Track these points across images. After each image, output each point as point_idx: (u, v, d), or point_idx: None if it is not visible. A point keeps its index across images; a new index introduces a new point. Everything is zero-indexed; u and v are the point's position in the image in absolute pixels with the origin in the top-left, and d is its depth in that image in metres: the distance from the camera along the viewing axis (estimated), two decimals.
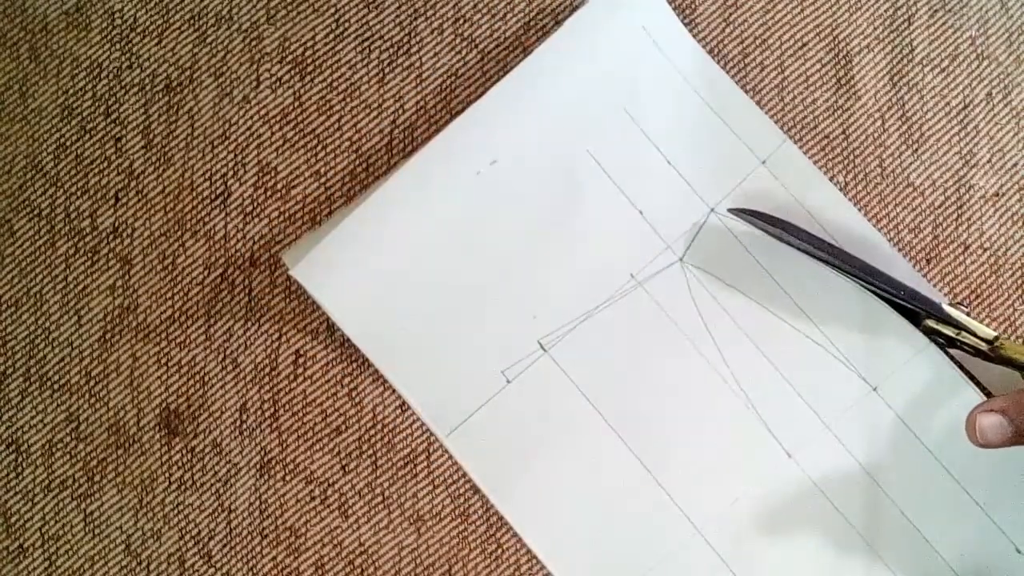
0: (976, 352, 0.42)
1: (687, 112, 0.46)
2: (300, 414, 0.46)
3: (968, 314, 0.42)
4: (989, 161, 0.46)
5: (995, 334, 0.41)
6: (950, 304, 0.42)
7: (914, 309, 0.43)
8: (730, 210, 0.45)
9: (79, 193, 0.46)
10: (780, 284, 0.45)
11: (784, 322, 0.45)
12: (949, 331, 0.42)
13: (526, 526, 0.45)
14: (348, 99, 0.47)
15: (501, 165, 0.45)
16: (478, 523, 0.45)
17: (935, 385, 0.42)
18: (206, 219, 0.46)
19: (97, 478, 0.46)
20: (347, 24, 0.47)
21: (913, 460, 0.44)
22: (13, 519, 0.46)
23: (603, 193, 0.45)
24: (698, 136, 0.45)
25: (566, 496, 0.45)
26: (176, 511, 0.46)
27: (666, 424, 0.45)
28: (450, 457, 0.45)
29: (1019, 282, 0.46)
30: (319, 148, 0.47)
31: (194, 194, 0.46)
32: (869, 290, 0.44)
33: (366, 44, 0.47)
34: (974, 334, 0.42)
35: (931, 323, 0.42)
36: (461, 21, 0.47)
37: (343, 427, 0.46)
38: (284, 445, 0.46)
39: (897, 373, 0.44)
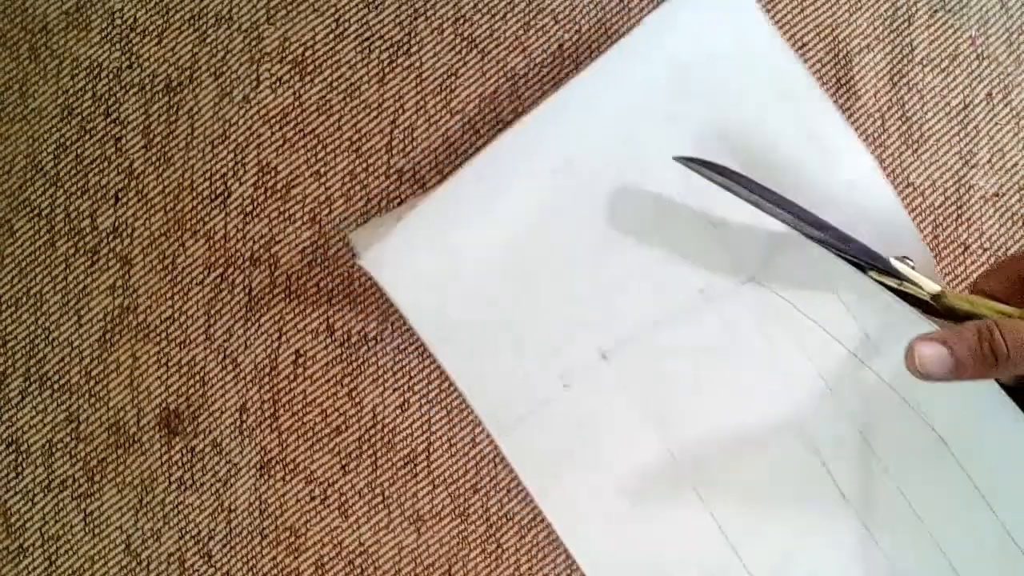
0: (917, 303, 0.40)
1: (773, 123, 0.43)
2: (300, 414, 0.46)
3: (913, 268, 0.40)
4: (989, 161, 0.46)
5: (940, 288, 0.40)
6: (896, 259, 0.41)
7: (860, 263, 0.41)
8: (675, 158, 0.42)
9: (79, 193, 0.46)
10: (850, 309, 0.42)
11: (854, 356, 0.42)
12: (891, 282, 0.40)
13: (570, 534, 0.42)
14: (348, 99, 0.47)
15: (576, 164, 0.43)
16: (478, 523, 0.45)
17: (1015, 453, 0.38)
18: (206, 219, 0.46)
19: (97, 478, 0.46)
20: (347, 24, 0.47)
21: (982, 530, 0.40)
22: (13, 519, 0.46)
23: (677, 202, 0.43)
24: (780, 149, 0.43)
25: (612, 508, 0.42)
26: (176, 511, 0.46)
27: (722, 450, 0.42)
28: (451, 456, 0.45)
29: None
30: (319, 148, 0.47)
31: (194, 194, 0.46)
32: (823, 245, 0.41)
33: (366, 44, 0.47)
34: (919, 286, 0.40)
35: (874, 275, 0.41)
36: (461, 21, 0.47)
37: (343, 427, 0.46)
38: (284, 445, 0.46)
39: (983, 444, 0.40)
